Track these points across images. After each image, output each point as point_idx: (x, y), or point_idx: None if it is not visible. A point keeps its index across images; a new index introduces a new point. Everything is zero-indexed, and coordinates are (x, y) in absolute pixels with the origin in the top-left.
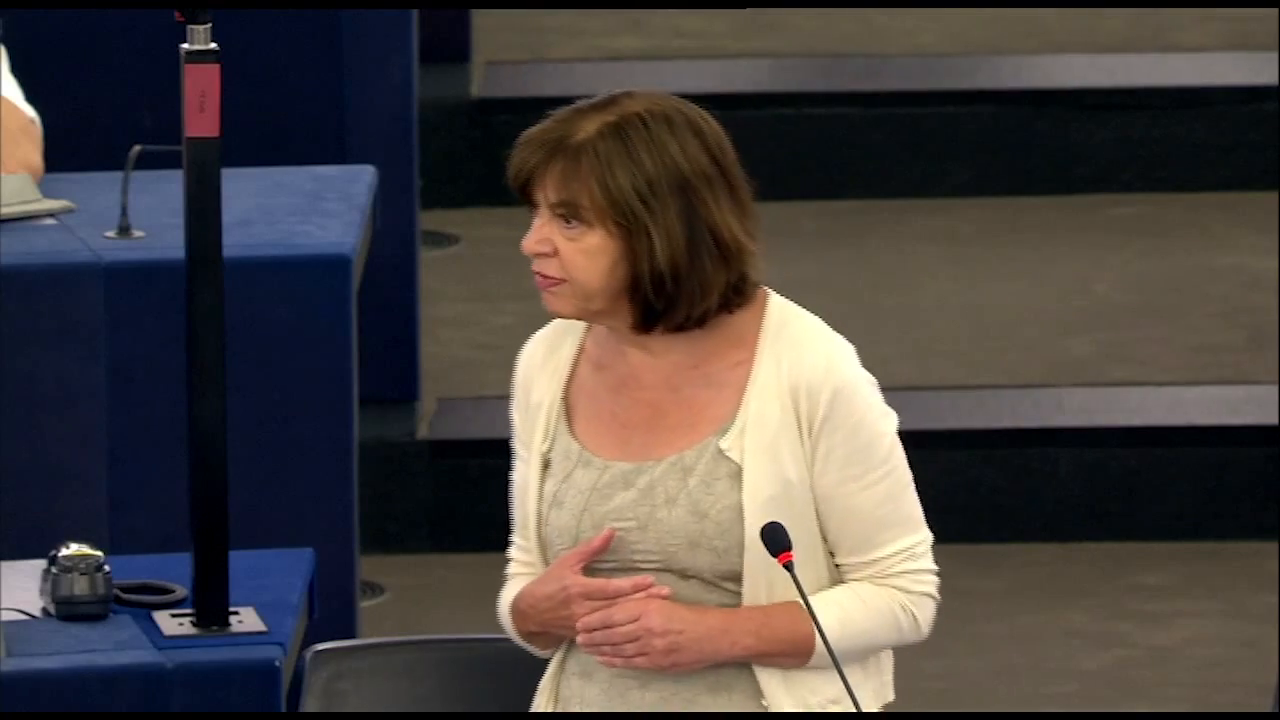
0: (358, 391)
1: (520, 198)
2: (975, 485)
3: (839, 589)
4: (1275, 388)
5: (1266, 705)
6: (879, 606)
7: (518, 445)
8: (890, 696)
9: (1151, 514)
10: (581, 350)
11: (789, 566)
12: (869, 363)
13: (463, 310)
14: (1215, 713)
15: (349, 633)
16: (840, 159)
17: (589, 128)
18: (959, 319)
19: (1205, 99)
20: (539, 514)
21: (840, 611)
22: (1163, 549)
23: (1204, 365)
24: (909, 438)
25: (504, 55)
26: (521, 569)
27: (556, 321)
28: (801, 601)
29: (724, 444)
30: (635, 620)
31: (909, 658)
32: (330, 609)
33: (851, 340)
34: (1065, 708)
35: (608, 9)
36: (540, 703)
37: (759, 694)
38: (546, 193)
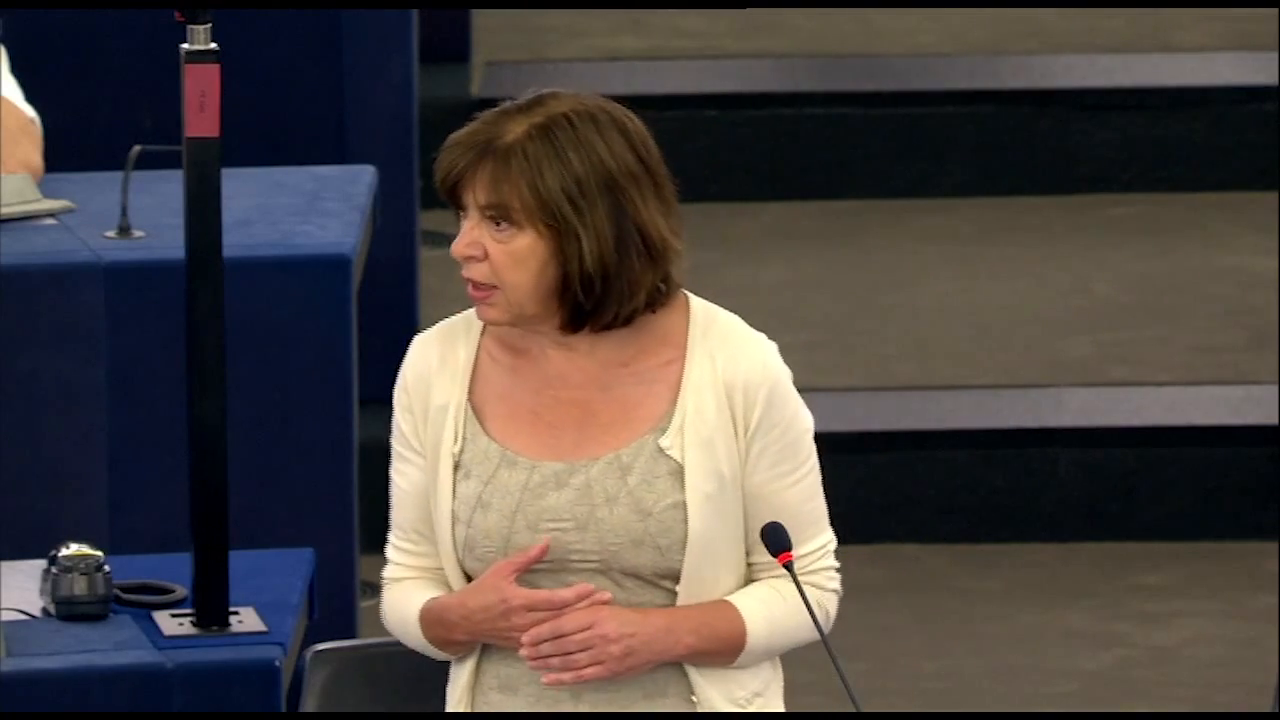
0: (358, 391)
1: (448, 201)
2: (975, 485)
3: (761, 586)
4: (1275, 388)
5: (1266, 705)
6: (800, 604)
7: (404, 449)
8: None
9: (1151, 514)
10: (480, 351)
11: (789, 566)
12: (869, 363)
13: (463, 310)
14: (1215, 713)
15: (349, 633)
16: (840, 159)
17: (516, 129)
18: (959, 319)
19: (1205, 99)
20: (453, 516)
21: (767, 610)
22: (1163, 549)
23: (1204, 365)
24: (909, 438)
25: (504, 55)
26: (409, 572)
27: (445, 322)
28: (803, 601)
29: (664, 442)
30: (587, 628)
31: (909, 658)
32: (330, 609)
33: (851, 340)
34: (1065, 708)
35: (608, 9)
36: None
37: (688, 686)
38: (476, 195)
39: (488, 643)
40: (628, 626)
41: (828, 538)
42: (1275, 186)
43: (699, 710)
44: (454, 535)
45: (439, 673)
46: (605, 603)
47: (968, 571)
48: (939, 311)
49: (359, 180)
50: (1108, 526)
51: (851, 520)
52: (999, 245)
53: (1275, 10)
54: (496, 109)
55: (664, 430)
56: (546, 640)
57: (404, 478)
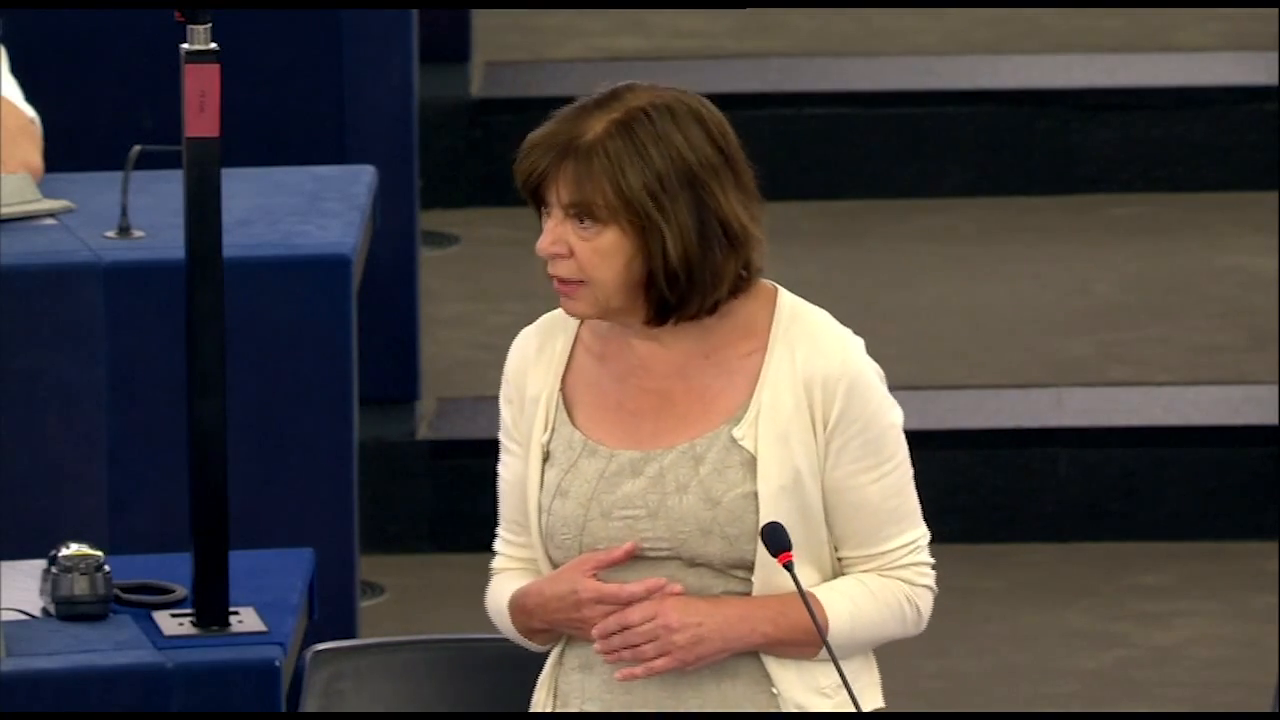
0: (358, 391)
1: (530, 201)
2: (975, 485)
3: (847, 580)
4: (1275, 388)
5: (1266, 705)
6: (887, 598)
7: (507, 440)
8: (881, 700)
9: (1151, 514)
10: (577, 341)
11: (789, 566)
12: None
13: (463, 310)
14: (1215, 713)
15: (349, 633)
16: (840, 159)
17: (596, 127)
18: (959, 319)
19: (1205, 99)
20: (539, 504)
21: (850, 604)
22: (1163, 549)
23: (1204, 365)
24: (909, 438)
25: (504, 55)
26: (512, 564)
27: (547, 315)
28: (801, 601)
29: (737, 432)
30: (652, 619)
31: (909, 658)
32: (330, 609)
33: None
34: (1065, 708)
35: (608, 9)
36: (540, 698)
37: (764, 679)
38: (559, 194)
39: (566, 632)
40: (692, 616)
41: (917, 534)
42: (1275, 186)
43: (779, 697)
44: (539, 524)
45: (438, 673)
46: (678, 594)
47: (968, 571)
48: (939, 311)
49: (359, 180)
50: (1108, 526)
51: None
52: (999, 245)
53: (1275, 10)
54: (574, 105)
55: (738, 421)
56: (615, 633)
57: (506, 469)
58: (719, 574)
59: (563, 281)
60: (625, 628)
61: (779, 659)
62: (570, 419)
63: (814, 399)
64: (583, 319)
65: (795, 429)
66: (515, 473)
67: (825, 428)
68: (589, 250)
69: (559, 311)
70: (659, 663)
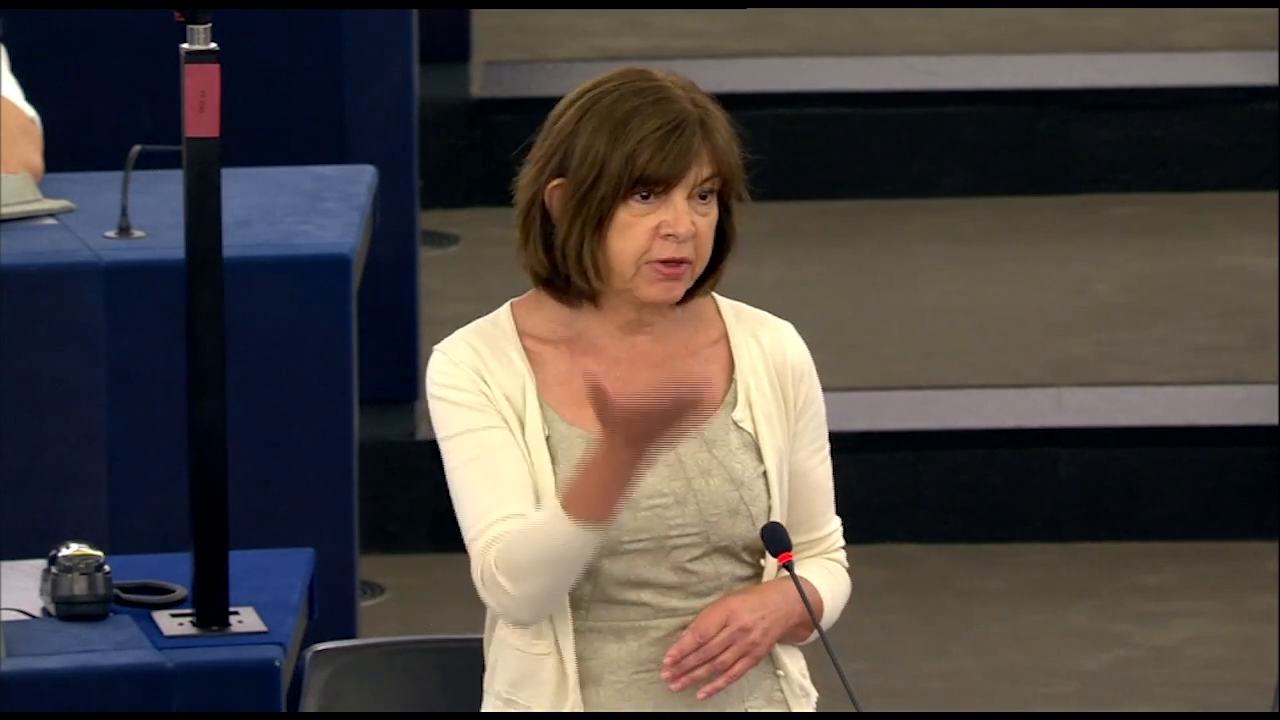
0: (358, 391)
1: (619, 190)
2: (975, 485)
3: (812, 565)
4: (1275, 388)
5: (1266, 705)
6: (841, 581)
7: (480, 420)
8: None
9: (1151, 514)
10: (526, 349)
11: (789, 566)
12: (869, 363)
13: (463, 310)
14: (1215, 713)
15: (349, 633)
16: (840, 159)
17: (699, 99)
18: (959, 319)
19: (1205, 99)
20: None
21: (828, 587)
22: (1163, 549)
23: (1204, 365)
24: (908, 438)
25: (504, 55)
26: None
27: (473, 327)
28: (801, 600)
29: (737, 415)
30: (724, 625)
31: (909, 658)
32: (330, 609)
33: (851, 340)
34: (1065, 708)
35: (608, 9)
36: None
37: (769, 663)
38: (700, 170)
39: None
40: (757, 610)
41: (838, 519)
42: (1275, 186)
43: (784, 678)
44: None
45: (438, 673)
46: (724, 599)
47: (968, 571)
48: (939, 311)
49: (359, 180)
50: (1108, 526)
51: (851, 520)
52: (999, 245)
53: (1275, 10)
54: (656, 87)
55: (733, 404)
56: (690, 653)
57: (487, 446)
58: (735, 559)
59: (680, 263)
60: (702, 643)
61: (781, 643)
62: (559, 416)
63: (785, 383)
64: (671, 303)
65: (775, 412)
66: (501, 443)
67: (796, 411)
68: (706, 226)
69: (482, 323)
70: (739, 667)
